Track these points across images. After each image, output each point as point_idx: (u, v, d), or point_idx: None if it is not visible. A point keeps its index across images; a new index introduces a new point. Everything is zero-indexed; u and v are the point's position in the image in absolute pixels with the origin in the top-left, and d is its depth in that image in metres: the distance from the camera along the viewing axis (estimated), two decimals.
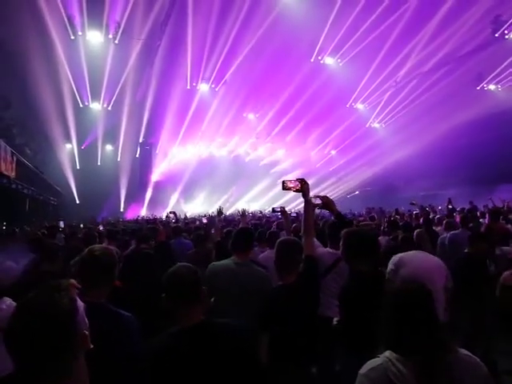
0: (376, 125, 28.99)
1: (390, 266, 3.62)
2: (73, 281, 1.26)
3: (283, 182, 3.20)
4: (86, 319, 1.22)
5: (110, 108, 23.77)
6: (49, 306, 1.12)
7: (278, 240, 2.96)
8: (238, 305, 2.85)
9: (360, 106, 27.45)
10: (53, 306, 1.13)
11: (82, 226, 11.05)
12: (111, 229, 6.66)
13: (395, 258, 3.67)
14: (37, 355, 1.08)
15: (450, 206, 10.73)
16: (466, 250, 4.36)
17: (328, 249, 3.73)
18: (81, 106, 22.96)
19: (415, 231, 4.50)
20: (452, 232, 5.50)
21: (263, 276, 3.13)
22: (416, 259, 3.63)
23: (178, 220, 8.51)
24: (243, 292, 2.94)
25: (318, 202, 3.51)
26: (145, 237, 4.82)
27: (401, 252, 3.78)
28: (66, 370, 1.13)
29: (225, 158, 32.01)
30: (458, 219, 6.13)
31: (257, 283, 3.02)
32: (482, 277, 3.95)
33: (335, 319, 2.80)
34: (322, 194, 3.48)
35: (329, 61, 22.12)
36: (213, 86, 23.97)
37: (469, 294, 3.90)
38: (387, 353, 1.55)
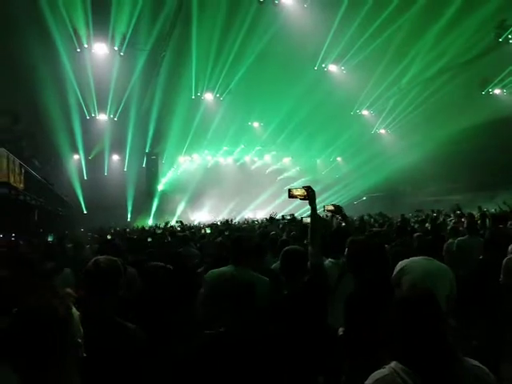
0: (381, 131, 28.97)
1: (395, 272, 3.59)
2: (69, 290, 1.27)
3: (289, 190, 3.21)
4: (81, 328, 1.23)
5: (116, 119, 23.99)
6: (44, 312, 1.14)
7: (284, 249, 2.97)
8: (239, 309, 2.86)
9: (365, 113, 27.46)
10: (48, 312, 1.14)
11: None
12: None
13: (400, 264, 3.62)
14: (27, 361, 1.10)
15: (459, 212, 10.63)
16: (480, 257, 4.27)
17: (330, 259, 3.68)
18: (87, 117, 23.18)
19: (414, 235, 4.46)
20: (460, 238, 5.43)
21: (263, 282, 3.12)
22: (419, 266, 3.58)
23: (184, 229, 8.52)
24: (244, 297, 2.94)
25: (331, 207, 3.55)
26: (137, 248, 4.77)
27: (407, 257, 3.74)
28: (56, 376, 1.14)
29: (231, 167, 32.11)
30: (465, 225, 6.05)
31: (257, 289, 3.01)
32: (498, 285, 3.87)
33: (341, 329, 2.78)
34: (328, 201, 3.50)
35: (333, 68, 22.20)
36: (217, 95, 24.12)
37: (484, 302, 3.82)
38: (393, 363, 1.52)
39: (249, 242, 3.41)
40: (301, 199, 3.12)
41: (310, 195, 3.07)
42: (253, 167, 33.14)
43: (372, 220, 11.66)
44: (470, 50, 18.65)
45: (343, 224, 4.18)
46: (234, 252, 3.29)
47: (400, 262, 3.62)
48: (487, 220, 6.58)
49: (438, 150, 20.92)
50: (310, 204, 3.07)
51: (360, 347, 2.49)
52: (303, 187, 3.12)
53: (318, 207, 3.22)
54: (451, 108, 20.68)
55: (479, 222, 6.86)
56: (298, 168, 33.10)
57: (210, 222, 16.14)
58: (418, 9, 17.08)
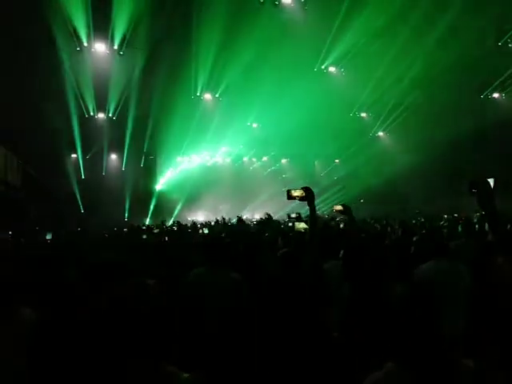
0: (380, 133, 29.01)
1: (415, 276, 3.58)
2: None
3: (288, 192, 3.21)
4: None
5: (114, 118, 23.95)
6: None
7: (280, 252, 3.00)
8: (214, 309, 3.04)
9: (363, 115, 27.48)
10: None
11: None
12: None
13: (420, 268, 3.61)
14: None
15: (456, 215, 10.67)
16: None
17: (332, 260, 3.66)
18: (86, 116, 23.13)
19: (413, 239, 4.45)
20: (455, 242, 5.42)
21: (237, 281, 3.22)
22: (435, 269, 3.58)
23: (181, 229, 8.52)
24: (218, 297, 3.09)
25: (340, 207, 3.56)
26: None
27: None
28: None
29: (229, 167, 32.08)
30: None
31: (231, 288, 3.14)
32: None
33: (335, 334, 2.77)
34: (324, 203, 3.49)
35: (332, 70, 22.22)
36: (217, 95, 24.12)
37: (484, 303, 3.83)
38: (389, 365, 1.52)
39: (222, 244, 3.46)
40: (299, 200, 3.12)
41: (308, 196, 3.07)
42: (251, 168, 33.13)
43: (372, 221, 11.67)
44: (470, 53, 18.67)
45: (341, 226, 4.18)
46: (207, 253, 3.37)
47: (417, 270, 3.61)
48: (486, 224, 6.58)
49: (436, 153, 20.97)
50: (309, 204, 3.06)
51: (354, 349, 2.48)
52: (302, 188, 3.12)
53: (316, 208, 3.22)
54: (450, 111, 20.71)
55: (477, 225, 6.85)
56: (295, 169, 33.09)
57: (206, 223, 16.13)
58: (417, 11, 17.12)
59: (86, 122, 23.19)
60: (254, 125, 28.30)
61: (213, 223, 13.46)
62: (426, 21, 17.27)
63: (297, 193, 3.10)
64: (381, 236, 5.30)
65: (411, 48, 19.16)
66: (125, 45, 18.90)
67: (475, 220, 7.89)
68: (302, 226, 3.97)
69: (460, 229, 6.61)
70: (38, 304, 2.28)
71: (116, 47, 18.94)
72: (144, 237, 8.58)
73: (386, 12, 17.43)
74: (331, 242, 3.56)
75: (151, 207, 27.22)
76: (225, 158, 31.84)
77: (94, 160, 26.17)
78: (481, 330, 3.77)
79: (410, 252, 4.33)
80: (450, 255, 5.01)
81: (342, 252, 2.98)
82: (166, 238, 8.13)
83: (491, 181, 2.28)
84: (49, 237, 9.34)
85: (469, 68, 19.52)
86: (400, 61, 20.06)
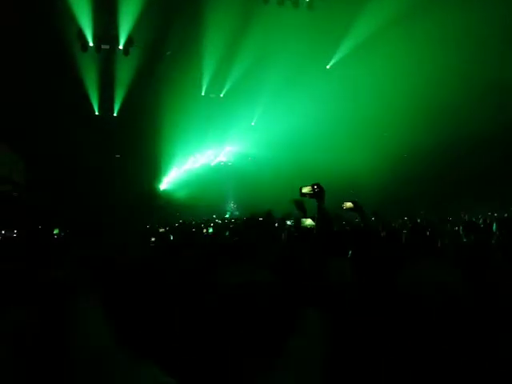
0: (384, 133, 28.80)
1: None
2: None
3: (300, 189, 3.16)
4: None
5: (119, 117, 23.96)
6: None
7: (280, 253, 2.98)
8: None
9: (368, 115, 27.27)
10: None
11: None
12: None
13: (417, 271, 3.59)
14: None
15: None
16: None
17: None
18: (91, 115, 23.15)
19: None
20: (456, 243, 5.35)
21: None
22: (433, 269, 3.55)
23: (185, 228, 8.48)
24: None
25: (350, 204, 3.50)
26: None
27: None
28: None
29: (233, 166, 31.97)
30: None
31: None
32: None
33: None
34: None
35: (334, 67, 22.17)
36: (221, 94, 24.11)
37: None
38: None
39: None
40: (310, 197, 3.06)
41: (317, 192, 3.01)
42: (255, 167, 32.99)
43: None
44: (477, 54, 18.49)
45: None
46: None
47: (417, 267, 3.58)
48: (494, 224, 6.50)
49: (445, 152, 20.83)
50: (318, 202, 3.00)
51: (356, 349, 2.44)
52: (312, 185, 3.06)
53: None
54: (461, 110, 20.53)
55: (482, 226, 6.77)
56: (300, 168, 32.89)
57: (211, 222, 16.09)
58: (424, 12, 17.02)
59: (91, 122, 23.22)
60: (259, 124, 28.24)
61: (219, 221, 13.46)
62: (434, 18, 17.14)
63: (306, 189, 3.05)
64: (390, 235, 5.22)
65: (414, 48, 19.06)
66: (130, 44, 18.92)
67: (480, 222, 7.82)
68: (308, 222, 3.91)
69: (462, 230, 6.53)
70: (29, 303, 2.23)
71: (121, 47, 18.97)
72: (153, 239, 8.46)
73: (389, 11, 17.37)
74: (339, 241, 3.50)
75: (156, 207, 27.17)
76: (229, 156, 31.76)
77: (99, 159, 26.15)
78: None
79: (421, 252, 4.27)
80: (450, 255, 4.98)
81: (350, 252, 2.93)
82: (172, 238, 8.07)
83: None
84: (56, 232, 9.34)
85: (474, 70, 19.37)
86: (403, 61, 19.96)
